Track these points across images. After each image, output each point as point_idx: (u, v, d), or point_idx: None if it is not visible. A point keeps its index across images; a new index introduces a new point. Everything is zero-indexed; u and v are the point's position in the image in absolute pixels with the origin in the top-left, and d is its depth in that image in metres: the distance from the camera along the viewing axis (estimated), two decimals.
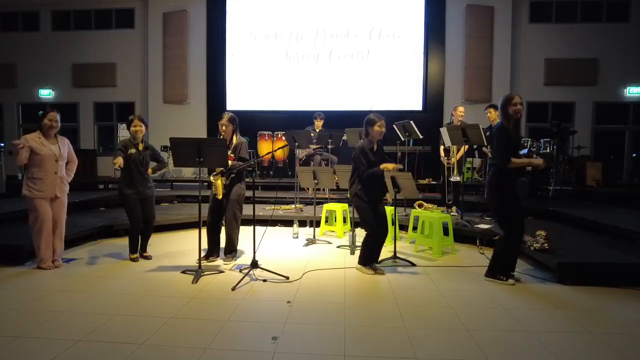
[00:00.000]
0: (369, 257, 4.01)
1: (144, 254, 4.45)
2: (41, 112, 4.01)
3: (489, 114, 6.13)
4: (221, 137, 4.19)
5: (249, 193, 4.25)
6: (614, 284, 3.57)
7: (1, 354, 2.35)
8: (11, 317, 2.87)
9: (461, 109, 6.19)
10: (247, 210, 4.43)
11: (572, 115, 10.12)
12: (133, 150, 4.21)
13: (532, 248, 4.07)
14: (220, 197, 4.14)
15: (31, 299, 3.21)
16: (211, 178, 4.14)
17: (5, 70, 11.19)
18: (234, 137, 4.24)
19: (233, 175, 4.20)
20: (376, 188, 3.94)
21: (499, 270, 3.70)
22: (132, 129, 4.24)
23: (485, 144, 5.47)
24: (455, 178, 5.80)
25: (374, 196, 3.91)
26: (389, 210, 5.15)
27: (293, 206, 6.75)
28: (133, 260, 4.32)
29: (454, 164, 5.82)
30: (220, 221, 4.37)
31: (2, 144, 11.26)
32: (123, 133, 8.84)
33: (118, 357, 2.31)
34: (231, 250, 4.32)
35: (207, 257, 4.29)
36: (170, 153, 3.91)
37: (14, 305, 3.09)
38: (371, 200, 3.89)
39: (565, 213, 5.67)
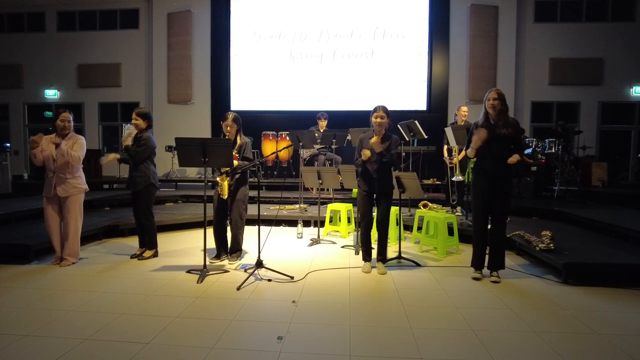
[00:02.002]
0: (365, 251, 4.14)
1: (140, 254, 4.45)
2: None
3: None
4: (225, 137, 4.20)
5: (253, 193, 4.26)
6: (620, 284, 3.56)
7: (8, 352, 2.37)
8: (17, 316, 2.88)
9: (465, 108, 6.17)
10: (252, 210, 4.44)
11: (578, 115, 10.07)
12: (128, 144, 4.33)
13: (537, 248, 4.06)
14: (225, 197, 4.15)
15: (37, 298, 3.23)
16: (217, 179, 4.15)
17: (11, 71, 11.28)
18: (238, 138, 4.25)
19: (238, 176, 4.21)
20: (365, 179, 4.03)
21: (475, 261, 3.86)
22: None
23: None
24: (458, 178, 5.78)
25: (366, 186, 4.03)
26: (393, 210, 5.16)
27: (297, 206, 6.76)
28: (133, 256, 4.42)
29: (456, 163, 5.81)
30: (226, 220, 4.38)
31: (8, 144, 11.34)
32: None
33: (124, 357, 2.32)
34: (236, 249, 4.34)
35: (218, 257, 4.33)
36: (175, 153, 3.92)
37: (20, 304, 3.11)
38: (365, 189, 4.03)
39: (571, 213, 5.65)
